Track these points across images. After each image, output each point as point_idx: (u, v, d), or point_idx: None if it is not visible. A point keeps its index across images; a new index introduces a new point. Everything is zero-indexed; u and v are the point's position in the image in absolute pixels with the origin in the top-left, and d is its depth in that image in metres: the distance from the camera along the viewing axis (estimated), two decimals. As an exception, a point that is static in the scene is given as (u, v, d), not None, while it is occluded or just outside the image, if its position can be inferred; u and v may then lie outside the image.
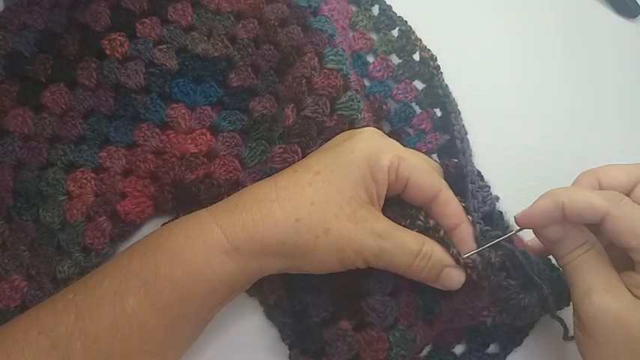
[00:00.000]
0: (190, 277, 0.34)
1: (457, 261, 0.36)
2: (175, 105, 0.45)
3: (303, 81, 0.42)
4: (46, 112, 0.44)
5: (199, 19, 0.47)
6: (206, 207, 0.37)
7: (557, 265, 0.38)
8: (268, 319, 0.42)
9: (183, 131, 0.45)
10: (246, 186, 0.40)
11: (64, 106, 0.45)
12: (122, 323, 0.33)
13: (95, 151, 0.44)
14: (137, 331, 0.33)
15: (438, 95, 0.48)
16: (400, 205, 0.38)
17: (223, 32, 0.47)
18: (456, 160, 0.40)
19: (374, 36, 0.51)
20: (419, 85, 0.49)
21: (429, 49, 0.50)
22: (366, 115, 0.42)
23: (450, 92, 0.48)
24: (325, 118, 0.41)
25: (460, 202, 0.38)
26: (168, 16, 0.47)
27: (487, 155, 0.47)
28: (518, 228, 0.37)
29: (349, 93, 0.42)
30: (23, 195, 0.43)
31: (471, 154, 0.44)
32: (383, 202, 0.37)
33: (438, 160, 0.44)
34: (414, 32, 0.50)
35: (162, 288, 0.34)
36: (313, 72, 0.42)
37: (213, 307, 0.36)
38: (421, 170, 0.36)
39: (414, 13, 0.51)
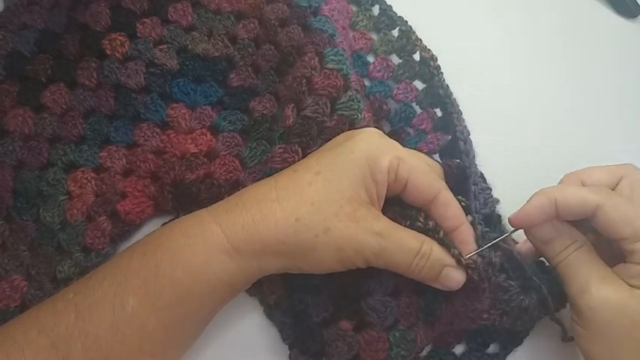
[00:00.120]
0: (190, 277, 0.34)
1: (459, 262, 0.36)
2: (176, 105, 0.45)
3: (304, 81, 0.42)
4: (46, 112, 0.45)
5: (200, 19, 0.47)
6: (206, 207, 0.37)
7: (547, 269, 0.39)
8: (268, 319, 0.42)
9: (184, 131, 0.45)
10: (246, 186, 0.40)
11: (64, 106, 0.45)
12: (122, 323, 0.33)
13: (95, 151, 0.44)
14: (137, 331, 0.33)
15: (439, 95, 0.48)
16: (400, 206, 0.38)
17: (223, 32, 0.47)
18: (458, 161, 0.40)
19: (374, 36, 0.51)
20: (419, 85, 0.49)
21: (429, 49, 0.50)
22: (366, 115, 0.42)
23: (451, 92, 0.48)
24: (325, 118, 0.41)
25: (463, 202, 0.39)
26: (169, 16, 0.47)
27: (487, 155, 0.47)
28: (513, 229, 0.37)
29: (349, 93, 0.42)
30: (23, 195, 0.43)
31: (474, 156, 0.44)
32: (383, 203, 0.37)
33: (439, 160, 0.44)
34: (414, 32, 0.50)
35: (162, 288, 0.34)
36: (313, 72, 0.42)
37: (214, 307, 0.36)
38: (420, 171, 0.36)
39: (414, 13, 0.51)
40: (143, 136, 0.44)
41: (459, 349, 0.42)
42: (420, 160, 0.38)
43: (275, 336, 0.41)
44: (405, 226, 0.36)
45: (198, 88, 0.46)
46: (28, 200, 0.43)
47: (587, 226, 0.37)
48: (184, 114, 0.45)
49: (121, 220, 0.43)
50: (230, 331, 0.41)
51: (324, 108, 0.41)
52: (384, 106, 0.47)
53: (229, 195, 0.38)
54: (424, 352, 0.41)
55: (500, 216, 0.43)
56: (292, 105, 0.42)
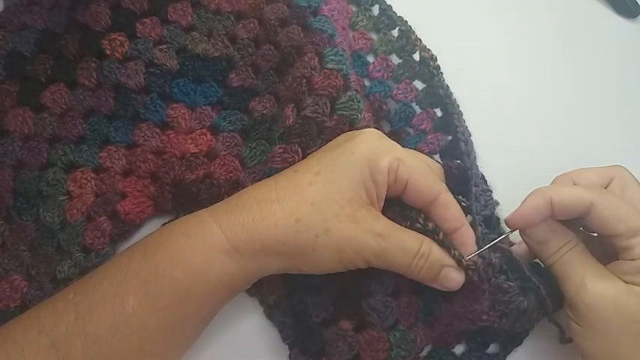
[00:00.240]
0: (190, 277, 0.34)
1: (459, 263, 0.36)
2: (175, 105, 0.45)
3: (303, 81, 0.42)
4: (46, 112, 0.44)
5: (199, 19, 0.47)
6: (206, 207, 0.37)
7: (542, 271, 0.39)
8: (268, 319, 0.42)
9: (184, 131, 0.45)
10: (246, 186, 0.40)
11: (64, 106, 0.45)
12: (122, 323, 0.33)
13: (95, 151, 0.44)
14: (137, 331, 0.34)
15: (439, 95, 0.48)
16: (400, 207, 0.38)
17: (223, 32, 0.47)
18: (459, 162, 0.40)
19: (374, 36, 0.51)
20: (419, 85, 0.49)
21: (429, 49, 0.50)
22: (366, 115, 0.42)
23: (451, 92, 0.48)
24: (325, 118, 0.41)
25: (463, 202, 0.39)
26: (169, 16, 0.47)
27: (487, 155, 0.47)
28: (511, 230, 0.37)
29: (349, 93, 0.42)
30: (23, 195, 0.43)
31: (475, 157, 0.44)
32: (383, 204, 0.37)
33: (440, 161, 0.44)
34: (414, 32, 0.50)
35: (162, 288, 0.34)
36: (313, 72, 0.42)
37: (214, 307, 0.36)
38: (420, 173, 0.36)
39: (414, 13, 0.51)
40: (143, 136, 0.44)
41: (459, 349, 0.42)
42: (420, 161, 0.38)
43: (275, 336, 0.41)
44: (404, 226, 0.36)
45: (198, 88, 0.46)
46: (28, 200, 0.43)
47: (577, 226, 0.38)
48: (184, 114, 0.45)
49: (120, 220, 0.43)
50: (230, 331, 0.41)
51: (324, 108, 0.41)
52: (384, 106, 0.47)
53: (229, 195, 0.38)
54: (424, 352, 0.41)
55: (499, 218, 0.44)
56: (292, 105, 0.42)
